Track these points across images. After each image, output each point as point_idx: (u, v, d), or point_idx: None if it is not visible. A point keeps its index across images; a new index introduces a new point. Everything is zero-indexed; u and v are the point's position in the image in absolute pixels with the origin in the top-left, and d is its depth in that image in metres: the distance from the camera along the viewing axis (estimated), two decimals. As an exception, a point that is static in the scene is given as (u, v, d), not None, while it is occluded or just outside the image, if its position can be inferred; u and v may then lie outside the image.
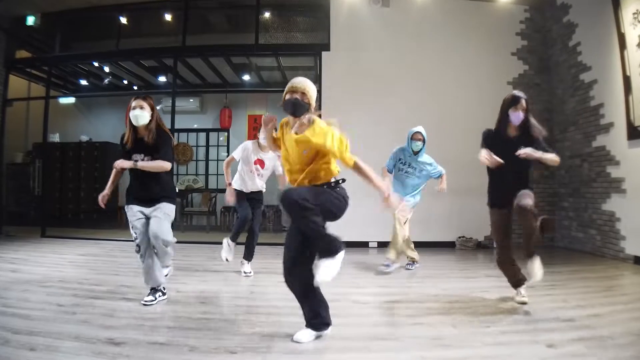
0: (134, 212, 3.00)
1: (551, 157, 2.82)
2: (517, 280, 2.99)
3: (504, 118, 2.95)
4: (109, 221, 8.70)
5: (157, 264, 3.01)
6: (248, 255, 4.12)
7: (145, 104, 2.93)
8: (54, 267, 4.37)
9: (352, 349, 2.21)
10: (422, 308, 2.82)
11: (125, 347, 2.14)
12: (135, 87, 9.39)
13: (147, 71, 8.45)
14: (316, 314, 2.30)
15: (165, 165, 2.97)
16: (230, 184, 4.04)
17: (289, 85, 2.32)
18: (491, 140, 2.95)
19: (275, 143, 2.50)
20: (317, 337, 2.30)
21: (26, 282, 3.58)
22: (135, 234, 2.96)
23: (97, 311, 2.78)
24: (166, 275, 3.19)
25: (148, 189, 3.02)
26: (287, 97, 2.29)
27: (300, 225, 2.17)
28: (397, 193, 4.01)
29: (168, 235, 2.95)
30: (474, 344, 2.22)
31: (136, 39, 7.46)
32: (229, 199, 4.00)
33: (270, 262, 4.64)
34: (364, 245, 6.09)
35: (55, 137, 8.79)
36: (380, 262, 4.39)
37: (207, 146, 9.78)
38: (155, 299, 2.98)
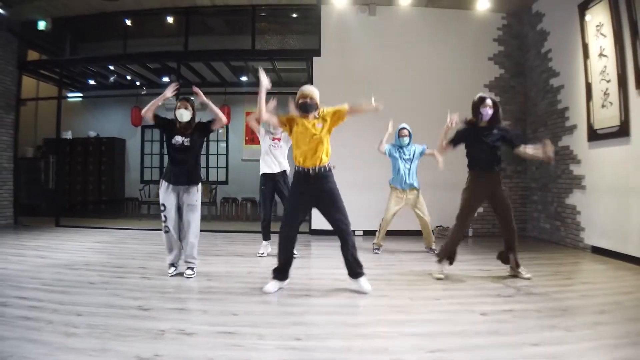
0: None
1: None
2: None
3: (476, 114, 3.79)
4: (115, 211, 9.28)
5: None
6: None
7: (188, 105, 3.71)
8: (75, 252, 4.88)
9: (327, 312, 2.82)
10: (390, 284, 3.46)
11: (151, 312, 2.74)
12: (138, 84, 9.82)
13: (150, 71, 8.92)
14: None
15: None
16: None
17: (300, 92, 3.24)
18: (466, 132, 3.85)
19: (284, 125, 3.32)
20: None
21: (55, 266, 4.07)
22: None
23: (124, 287, 3.36)
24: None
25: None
26: (301, 101, 3.21)
27: (351, 252, 3.28)
28: (400, 179, 5.07)
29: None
30: (422, 311, 2.84)
31: (139, 40, 7.84)
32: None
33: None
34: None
35: (68, 134, 9.28)
36: (364, 249, 5.01)
37: (207, 141, 10.30)
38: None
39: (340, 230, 3.28)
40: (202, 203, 8.76)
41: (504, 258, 3.92)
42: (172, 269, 3.81)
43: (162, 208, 3.72)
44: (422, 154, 5.20)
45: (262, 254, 4.83)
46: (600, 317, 2.74)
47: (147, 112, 3.64)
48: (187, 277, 3.70)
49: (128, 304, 2.88)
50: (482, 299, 3.14)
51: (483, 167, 3.79)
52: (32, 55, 8.04)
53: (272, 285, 3.29)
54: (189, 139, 3.72)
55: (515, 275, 3.85)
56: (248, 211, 9.12)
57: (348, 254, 3.30)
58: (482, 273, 4.04)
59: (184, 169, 3.72)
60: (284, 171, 4.76)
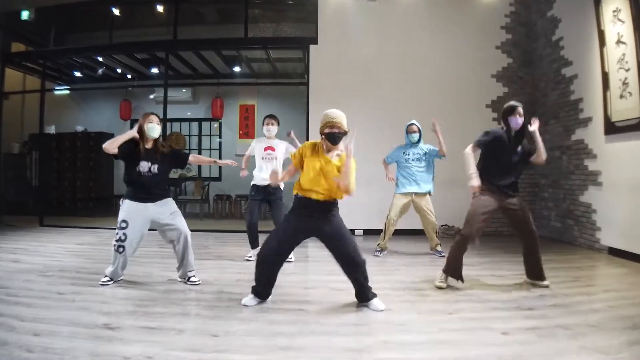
0: None
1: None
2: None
3: (506, 124, 3.39)
4: (105, 209, 8.90)
5: None
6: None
7: (158, 120, 3.32)
8: (53, 256, 4.56)
9: (323, 332, 2.43)
10: (394, 296, 3.08)
11: (119, 331, 2.37)
12: (129, 77, 9.46)
13: (139, 63, 8.53)
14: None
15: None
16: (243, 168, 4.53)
17: (328, 119, 2.72)
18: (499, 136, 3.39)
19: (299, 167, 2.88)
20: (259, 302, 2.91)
21: (27, 272, 3.75)
22: None
23: (95, 298, 3.00)
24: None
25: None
26: (328, 130, 2.71)
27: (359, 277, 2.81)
28: (406, 184, 4.67)
29: None
30: (432, 330, 2.45)
31: (128, 30, 7.53)
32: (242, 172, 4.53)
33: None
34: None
35: (51, 129, 8.88)
36: (365, 250, 4.61)
37: (200, 135, 9.95)
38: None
39: (356, 263, 2.81)
40: (195, 201, 8.56)
41: (535, 272, 3.51)
42: (107, 279, 3.38)
43: (122, 225, 3.23)
44: (436, 155, 4.78)
45: (250, 257, 4.47)
46: (634, 334, 2.39)
47: (112, 146, 3.13)
48: (196, 284, 3.41)
49: (94, 321, 2.51)
50: (499, 313, 2.76)
51: (500, 186, 3.40)
52: (18, 47, 7.70)
53: (251, 299, 2.90)
54: (157, 165, 3.28)
55: (532, 282, 3.49)
56: (242, 209, 8.75)
57: (359, 283, 2.87)
58: (495, 280, 3.68)
59: (150, 191, 3.30)
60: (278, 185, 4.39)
